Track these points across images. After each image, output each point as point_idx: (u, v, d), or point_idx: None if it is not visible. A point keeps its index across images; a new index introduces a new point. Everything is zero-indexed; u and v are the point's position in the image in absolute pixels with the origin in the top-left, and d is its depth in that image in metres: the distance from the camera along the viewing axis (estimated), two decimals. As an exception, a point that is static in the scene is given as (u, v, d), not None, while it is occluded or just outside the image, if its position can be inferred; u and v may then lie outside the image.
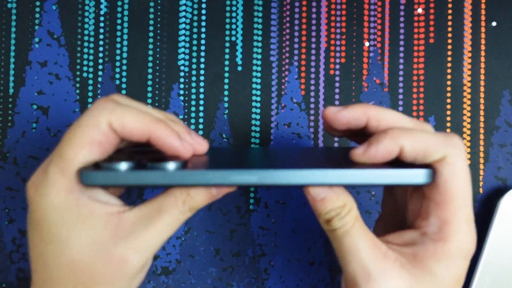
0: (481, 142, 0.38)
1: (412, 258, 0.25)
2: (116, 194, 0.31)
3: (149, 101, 0.38)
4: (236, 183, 0.22)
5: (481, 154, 0.38)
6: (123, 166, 0.22)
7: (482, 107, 0.38)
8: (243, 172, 0.22)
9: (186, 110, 0.39)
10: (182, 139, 0.25)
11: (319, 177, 0.23)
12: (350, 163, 0.24)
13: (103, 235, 0.24)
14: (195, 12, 0.39)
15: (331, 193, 0.25)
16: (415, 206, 0.27)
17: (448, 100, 0.38)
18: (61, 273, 0.24)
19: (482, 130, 0.38)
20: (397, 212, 0.29)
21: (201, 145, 0.27)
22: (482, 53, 0.38)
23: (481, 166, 0.38)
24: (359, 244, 0.24)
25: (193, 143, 0.27)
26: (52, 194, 0.23)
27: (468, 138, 0.38)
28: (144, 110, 0.26)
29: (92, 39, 0.39)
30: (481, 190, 0.38)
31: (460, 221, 0.24)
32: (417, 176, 0.23)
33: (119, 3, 0.39)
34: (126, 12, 0.39)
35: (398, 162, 0.24)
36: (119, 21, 0.39)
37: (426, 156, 0.24)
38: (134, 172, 0.22)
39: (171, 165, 0.22)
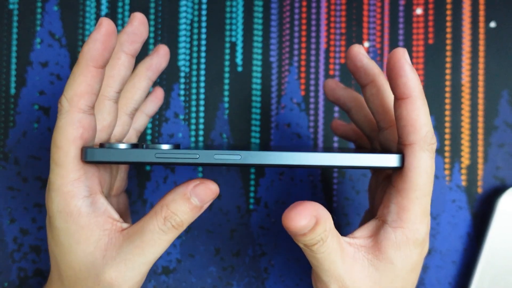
0: (480, 142, 0.38)
1: (377, 250, 0.25)
2: (119, 191, 0.33)
3: (150, 101, 0.39)
4: (220, 162, 0.24)
5: (480, 154, 0.38)
6: (122, 146, 0.25)
7: (481, 107, 0.38)
8: (227, 152, 0.24)
9: (186, 110, 0.39)
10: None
11: (306, 158, 0.24)
12: (334, 150, 0.26)
13: (94, 253, 0.25)
14: (195, 12, 0.39)
15: (313, 223, 0.23)
16: (382, 198, 0.27)
17: (447, 101, 0.38)
18: (68, 272, 0.26)
19: (481, 130, 0.38)
20: (374, 207, 0.31)
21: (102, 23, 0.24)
22: (481, 54, 0.39)
23: (480, 166, 0.38)
24: (336, 260, 0.25)
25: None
26: (57, 201, 0.25)
27: (467, 138, 0.38)
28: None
29: (93, 39, 0.39)
30: (480, 190, 0.38)
31: (416, 210, 0.25)
32: (390, 160, 0.25)
33: (120, 3, 0.39)
34: (126, 13, 0.39)
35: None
36: (119, 22, 0.39)
37: (411, 129, 0.24)
38: (132, 150, 0.24)
39: (164, 146, 0.24)
